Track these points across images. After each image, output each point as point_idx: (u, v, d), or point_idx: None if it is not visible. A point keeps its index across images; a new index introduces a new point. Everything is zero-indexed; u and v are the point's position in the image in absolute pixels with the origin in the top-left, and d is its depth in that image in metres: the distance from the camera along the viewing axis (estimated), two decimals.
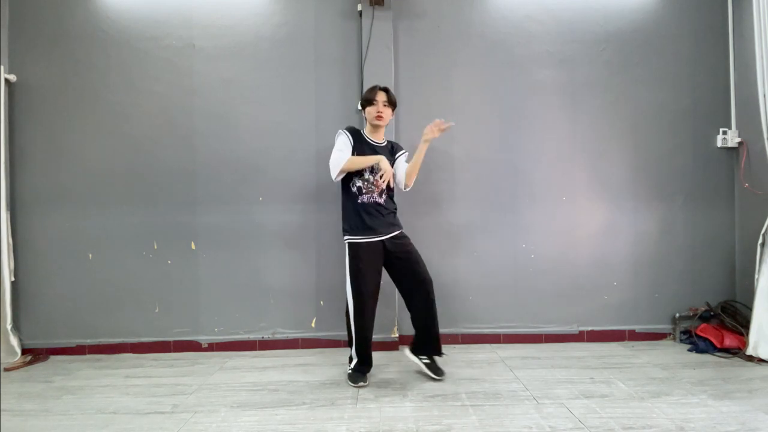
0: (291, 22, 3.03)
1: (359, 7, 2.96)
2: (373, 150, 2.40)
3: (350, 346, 2.44)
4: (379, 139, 2.46)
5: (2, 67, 2.84)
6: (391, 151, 2.51)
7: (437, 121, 2.40)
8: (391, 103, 2.41)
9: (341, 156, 2.32)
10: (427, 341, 2.45)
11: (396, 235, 2.41)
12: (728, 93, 3.10)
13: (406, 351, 2.51)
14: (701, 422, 1.89)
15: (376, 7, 2.92)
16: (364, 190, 2.36)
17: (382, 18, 2.95)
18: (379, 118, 2.36)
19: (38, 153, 2.94)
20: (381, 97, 2.37)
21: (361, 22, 2.98)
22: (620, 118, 3.09)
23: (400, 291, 2.48)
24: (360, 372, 2.37)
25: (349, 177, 2.37)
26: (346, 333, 2.51)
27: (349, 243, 2.35)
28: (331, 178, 2.38)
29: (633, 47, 3.09)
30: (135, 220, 2.96)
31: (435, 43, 3.06)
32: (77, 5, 2.96)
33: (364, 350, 2.38)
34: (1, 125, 2.83)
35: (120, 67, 2.98)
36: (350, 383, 2.34)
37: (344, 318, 2.53)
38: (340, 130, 2.41)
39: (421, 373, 2.47)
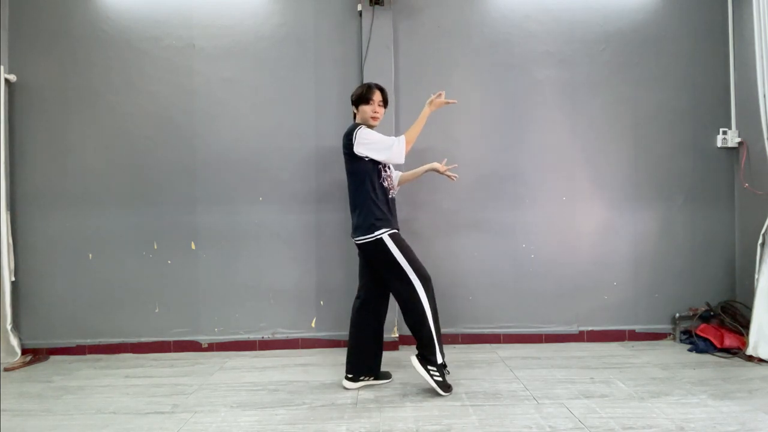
0: (291, 22, 3.03)
1: (359, 7, 2.96)
2: None
3: (426, 336, 2.18)
4: None
5: (2, 67, 2.85)
6: None
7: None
8: (386, 102, 2.34)
9: (390, 138, 2.23)
10: (378, 359, 2.37)
11: None
12: (728, 93, 3.10)
13: (345, 383, 2.32)
14: (701, 422, 1.89)
15: (376, 6, 2.92)
16: (389, 186, 2.31)
17: (382, 18, 2.95)
18: (375, 119, 2.30)
19: (38, 153, 2.94)
20: (377, 96, 2.29)
21: (361, 22, 2.98)
22: (620, 118, 3.09)
23: (370, 285, 2.33)
24: (445, 371, 2.25)
25: (378, 172, 2.26)
26: (419, 333, 2.20)
27: (390, 234, 2.21)
28: (399, 161, 2.23)
29: (633, 47, 3.09)
30: (135, 220, 2.96)
31: (435, 43, 3.06)
32: (77, 5, 2.97)
33: (440, 334, 2.23)
34: (1, 125, 2.83)
35: (120, 67, 2.98)
36: (444, 392, 2.18)
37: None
38: (362, 125, 2.25)
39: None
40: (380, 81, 2.90)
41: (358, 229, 2.24)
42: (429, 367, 2.19)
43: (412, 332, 2.25)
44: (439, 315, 2.27)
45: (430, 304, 2.21)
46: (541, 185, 3.07)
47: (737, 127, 3.06)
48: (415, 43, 3.05)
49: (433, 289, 2.24)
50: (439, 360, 2.21)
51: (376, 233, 2.20)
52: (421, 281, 2.20)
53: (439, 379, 2.19)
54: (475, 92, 3.06)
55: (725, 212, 3.11)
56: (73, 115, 2.96)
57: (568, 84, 3.08)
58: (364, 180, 2.24)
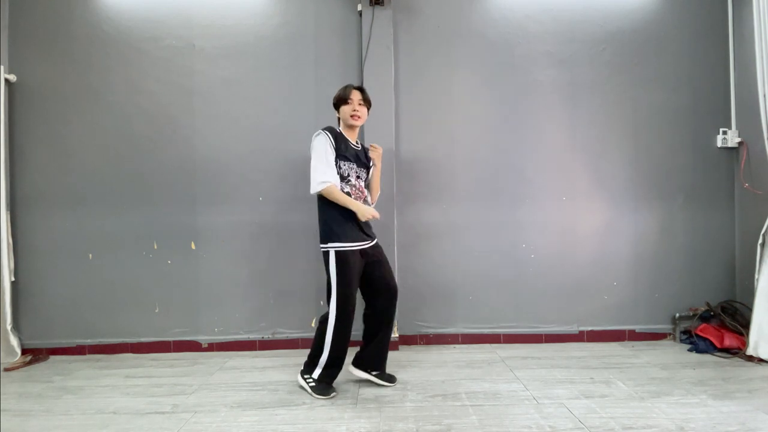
0: (291, 22, 3.03)
1: (359, 7, 2.96)
2: (354, 153, 2.31)
3: (316, 356, 2.25)
4: (353, 140, 2.35)
5: (2, 67, 2.84)
6: (365, 155, 2.40)
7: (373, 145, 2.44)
8: (366, 101, 2.31)
9: (326, 175, 2.17)
10: (379, 353, 2.35)
11: (376, 242, 2.35)
12: (728, 93, 3.10)
13: (350, 367, 2.36)
14: (701, 422, 1.89)
15: (376, 6, 2.92)
16: (352, 196, 2.24)
17: (382, 18, 2.95)
18: (355, 117, 2.26)
19: (38, 153, 2.94)
20: (356, 96, 2.27)
21: (361, 21, 2.98)
22: (620, 118, 3.09)
23: (364, 295, 2.36)
24: (327, 383, 2.25)
25: (340, 180, 2.24)
26: (313, 342, 2.29)
27: (337, 251, 2.19)
28: (310, 191, 2.22)
29: (633, 47, 3.08)
30: (135, 220, 2.96)
31: (435, 43, 3.06)
32: (77, 5, 2.96)
33: (337, 365, 2.25)
34: (1, 125, 2.83)
35: (120, 67, 2.97)
36: (317, 395, 2.20)
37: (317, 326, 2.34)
38: (320, 131, 2.24)
39: (372, 383, 2.36)
40: (380, 81, 2.92)
41: (320, 236, 2.27)
42: (305, 376, 2.29)
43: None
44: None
45: (333, 338, 2.21)
46: (542, 185, 3.07)
47: (737, 127, 3.06)
48: (415, 43, 3.05)
49: (346, 326, 2.23)
50: (316, 375, 2.25)
51: (327, 245, 2.22)
52: (337, 314, 2.21)
53: (313, 384, 2.24)
54: (475, 92, 3.06)
55: (725, 212, 3.10)
56: (73, 115, 2.96)
57: (569, 84, 3.08)
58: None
